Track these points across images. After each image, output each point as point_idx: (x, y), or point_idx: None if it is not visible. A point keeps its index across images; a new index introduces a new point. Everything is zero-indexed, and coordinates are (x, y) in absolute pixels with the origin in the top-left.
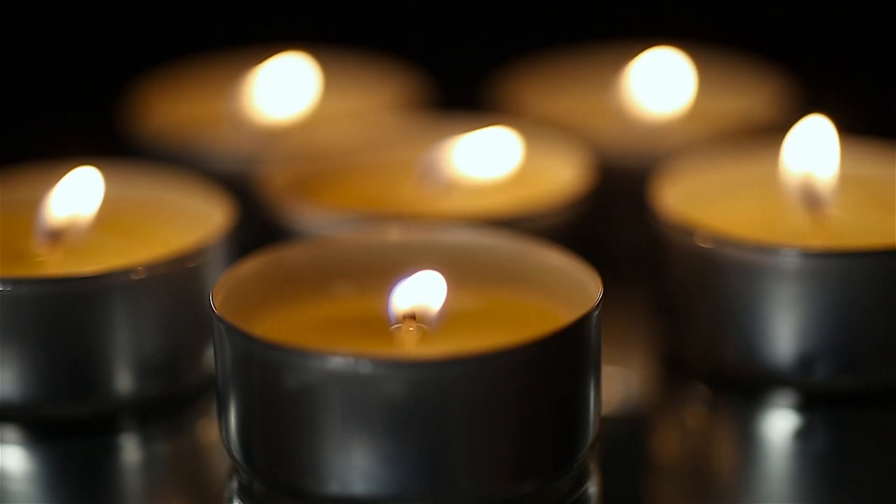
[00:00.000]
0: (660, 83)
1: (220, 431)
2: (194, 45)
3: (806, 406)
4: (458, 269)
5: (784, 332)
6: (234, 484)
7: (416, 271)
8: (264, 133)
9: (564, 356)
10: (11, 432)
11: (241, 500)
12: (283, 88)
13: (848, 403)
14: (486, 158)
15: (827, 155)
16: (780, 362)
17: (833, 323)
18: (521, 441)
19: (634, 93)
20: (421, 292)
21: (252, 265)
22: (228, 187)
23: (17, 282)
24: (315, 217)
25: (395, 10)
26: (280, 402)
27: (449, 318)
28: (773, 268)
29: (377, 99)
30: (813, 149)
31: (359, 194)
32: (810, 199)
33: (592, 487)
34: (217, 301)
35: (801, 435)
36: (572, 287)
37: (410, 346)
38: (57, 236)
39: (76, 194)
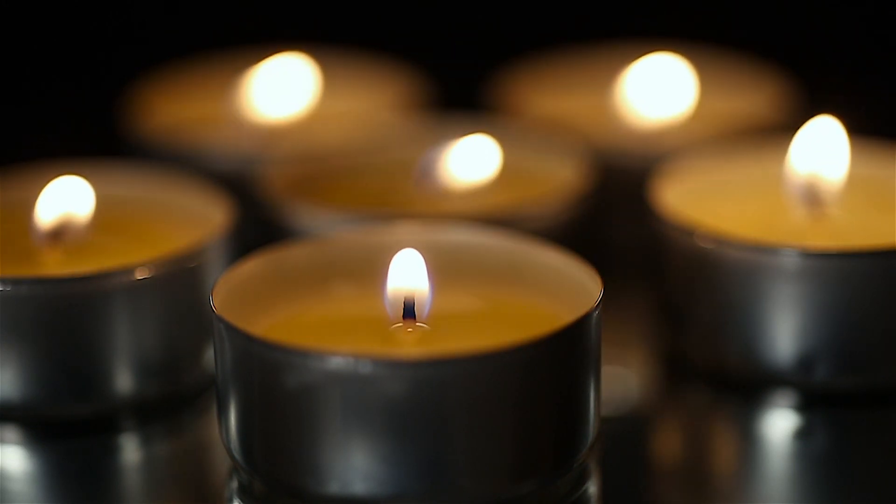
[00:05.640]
0: (660, 83)
1: (220, 431)
2: (194, 45)
3: (806, 406)
4: (458, 269)
5: (784, 332)
6: (234, 484)
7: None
8: (264, 133)
9: (564, 356)
10: (11, 432)
11: (241, 500)
12: (283, 88)
13: (848, 403)
14: (475, 161)
15: (834, 156)
16: (780, 362)
17: (833, 323)
18: (521, 441)
19: (634, 93)
20: (409, 281)
21: (252, 265)
22: (228, 187)
23: (17, 282)
24: (315, 217)
25: (396, 11)
26: (280, 402)
27: (449, 318)
28: (773, 268)
29: (377, 99)
30: (820, 149)
31: (359, 194)
32: (813, 198)
33: (592, 487)
34: (217, 301)
35: (801, 435)
36: (572, 287)
37: (410, 345)
38: (57, 236)
39: (71, 195)
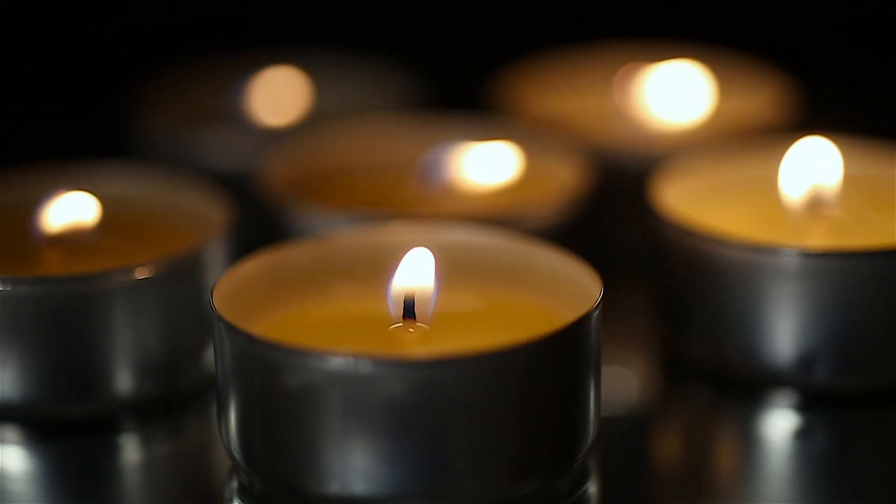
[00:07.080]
0: (660, 84)
1: (220, 431)
2: (194, 45)
3: (806, 406)
4: (457, 269)
5: (784, 332)
6: (234, 484)
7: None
8: (265, 133)
9: (564, 356)
10: (11, 432)
11: (241, 500)
12: (284, 88)
13: (848, 403)
14: (485, 166)
15: (834, 157)
16: (780, 362)
17: (833, 323)
18: (521, 441)
19: (635, 93)
20: (414, 279)
21: (252, 265)
22: (228, 187)
23: (17, 282)
24: (315, 217)
25: (395, 11)
26: (280, 402)
27: (449, 318)
28: (773, 268)
29: (377, 99)
30: (820, 150)
31: (359, 194)
32: (813, 198)
33: (592, 487)
34: (217, 301)
35: (801, 435)
36: (572, 287)
37: (410, 346)
38: (59, 241)
39: (76, 209)
